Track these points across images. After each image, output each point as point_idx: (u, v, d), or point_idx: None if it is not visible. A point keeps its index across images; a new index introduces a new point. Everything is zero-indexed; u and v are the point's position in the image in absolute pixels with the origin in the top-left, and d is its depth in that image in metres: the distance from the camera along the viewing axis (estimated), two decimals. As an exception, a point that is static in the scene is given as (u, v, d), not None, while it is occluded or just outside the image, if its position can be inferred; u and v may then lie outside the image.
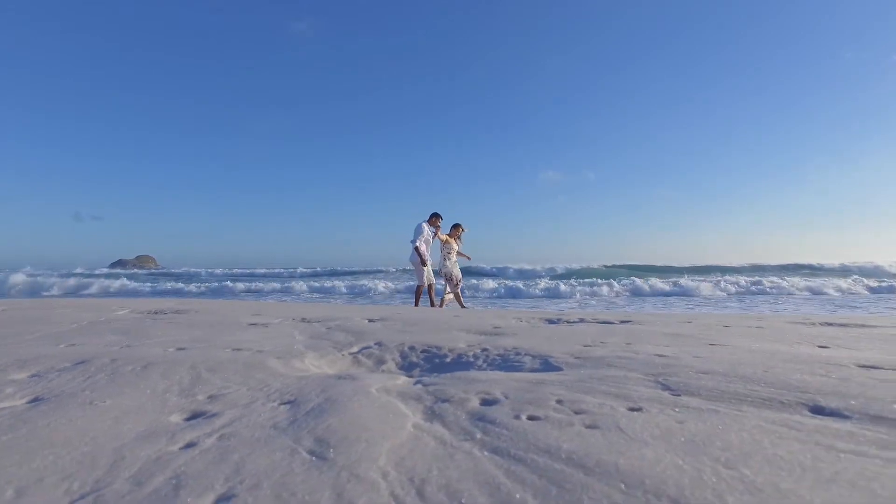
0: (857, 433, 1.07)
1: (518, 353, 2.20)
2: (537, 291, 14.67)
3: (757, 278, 17.19)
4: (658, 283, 15.79)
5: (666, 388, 1.48)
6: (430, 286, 7.63)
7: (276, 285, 19.69)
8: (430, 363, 2.22)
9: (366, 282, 18.75)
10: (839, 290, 14.70)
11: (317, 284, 18.80)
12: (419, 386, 1.62)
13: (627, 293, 14.75)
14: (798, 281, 16.42)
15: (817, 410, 1.24)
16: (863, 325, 3.29)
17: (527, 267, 29.28)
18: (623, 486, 0.81)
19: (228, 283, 20.50)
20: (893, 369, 1.66)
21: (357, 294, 15.94)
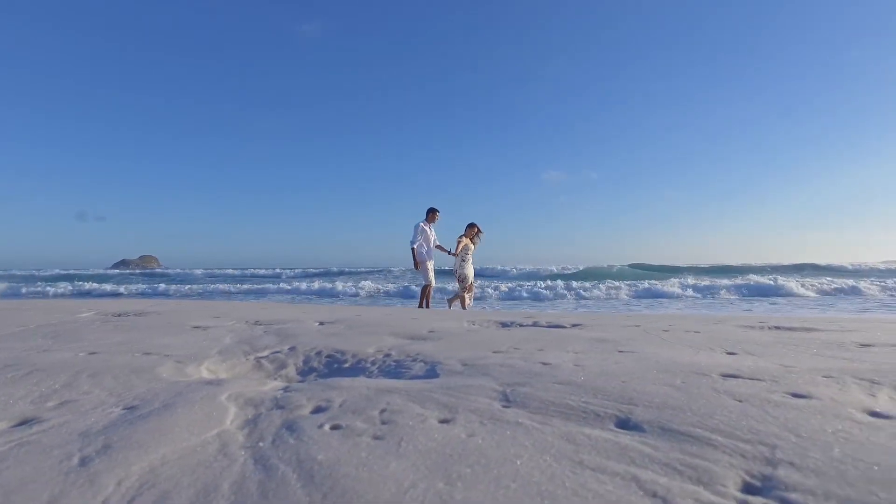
0: (628, 446, 1.09)
1: (415, 360, 2.25)
2: (538, 292, 14.62)
3: (763, 278, 16.83)
4: (658, 284, 15.59)
5: (505, 399, 1.51)
6: (428, 287, 7.67)
7: (271, 286, 19.92)
8: (328, 368, 2.28)
9: (366, 282, 18.89)
10: (855, 291, 14.32)
11: (314, 286, 19.01)
12: (281, 392, 1.68)
13: (629, 293, 14.60)
14: (795, 283, 16.04)
15: (622, 424, 1.26)
16: (809, 329, 3.24)
17: (530, 268, 29.26)
18: (322, 497, 0.86)
19: (220, 284, 20.78)
20: (751, 378, 1.66)
21: (345, 295, 16.09)
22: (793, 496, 0.86)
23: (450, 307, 7.45)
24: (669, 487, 0.89)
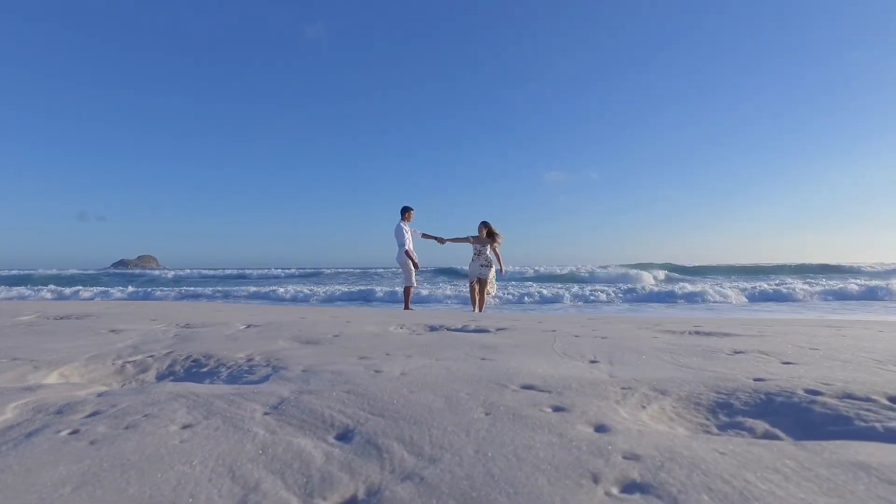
0: (303, 456, 1.17)
1: (268, 366, 2.35)
2: (537, 295, 14.62)
3: (762, 279, 16.40)
4: (652, 286, 15.37)
5: (276, 406, 1.60)
6: (409, 288, 7.90)
7: (256, 288, 20.15)
8: (187, 372, 2.41)
9: (309, 287, 19.05)
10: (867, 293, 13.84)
11: (295, 289, 19.16)
12: (94, 396, 1.81)
13: (632, 295, 14.44)
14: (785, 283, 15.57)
15: (341, 435, 1.34)
16: (724, 335, 3.21)
17: (537, 268, 29.24)
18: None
19: (209, 288, 20.90)
20: (542, 391, 1.70)
21: (320, 298, 16.34)
22: (372, 508, 0.92)
23: (481, 309, 7.66)
24: (267, 493, 0.97)
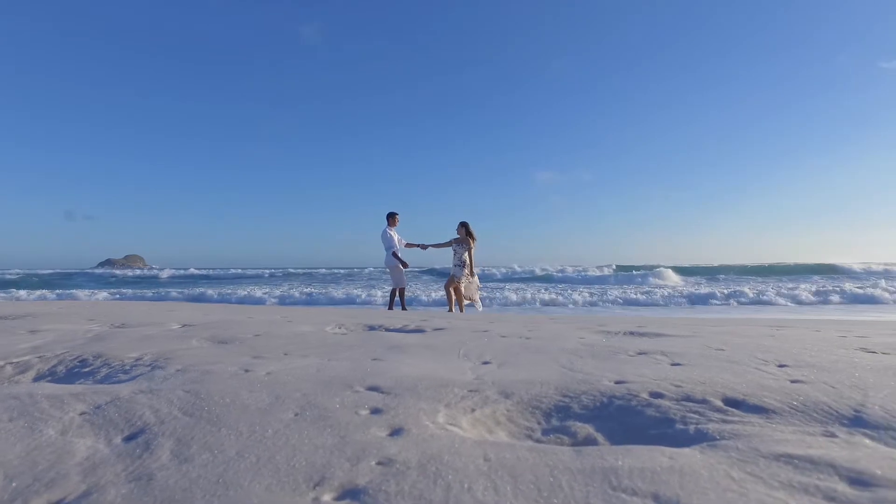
0: (71, 453, 1.16)
1: (150, 365, 2.35)
2: (538, 298, 14.57)
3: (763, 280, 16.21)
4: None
5: (103, 406, 1.60)
6: (402, 289, 8.18)
7: (233, 288, 20.25)
8: (68, 373, 2.42)
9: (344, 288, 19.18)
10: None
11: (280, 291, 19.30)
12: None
13: (636, 297, 14.34)
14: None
15: (130, 436, 1.33)
16: (656, 335, 3.18)
17: (539, 269, 29.17)
18: None
19: (188, 289, 20.81)
20: (383, 393, 1.68)
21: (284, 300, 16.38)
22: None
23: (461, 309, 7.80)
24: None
